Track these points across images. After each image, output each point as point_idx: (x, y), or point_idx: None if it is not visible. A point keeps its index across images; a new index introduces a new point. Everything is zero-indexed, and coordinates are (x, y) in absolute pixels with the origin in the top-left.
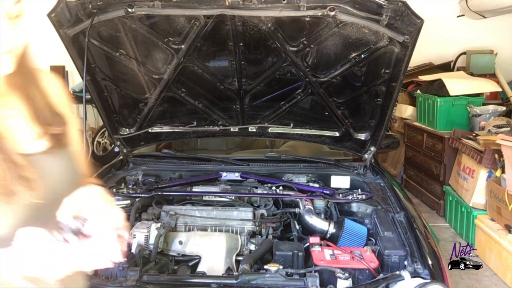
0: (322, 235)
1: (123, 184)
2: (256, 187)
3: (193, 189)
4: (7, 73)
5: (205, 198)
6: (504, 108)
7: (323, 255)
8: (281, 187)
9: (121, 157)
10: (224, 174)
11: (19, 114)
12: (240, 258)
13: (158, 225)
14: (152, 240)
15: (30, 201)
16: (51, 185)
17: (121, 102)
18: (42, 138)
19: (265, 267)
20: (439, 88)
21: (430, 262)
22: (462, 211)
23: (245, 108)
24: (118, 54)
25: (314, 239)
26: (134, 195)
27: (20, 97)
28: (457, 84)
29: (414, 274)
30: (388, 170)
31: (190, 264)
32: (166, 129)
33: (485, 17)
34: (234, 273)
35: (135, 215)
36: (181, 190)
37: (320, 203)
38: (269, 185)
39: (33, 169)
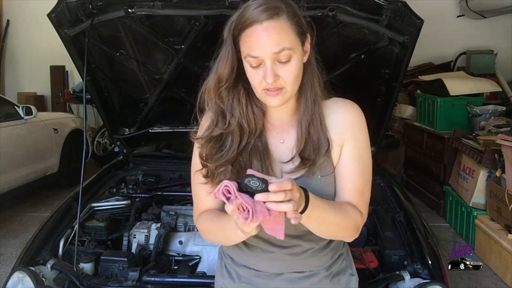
0: None
1: (123, 184)
2: None
3: None
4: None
5: None
6: (504, 108)
7: None
8: None
9: (121, 157)
10: None
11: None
12: None
13: (158, 225)
14: (152, 240)
15: None
16: None
17: (121, 102)
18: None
19: None
20: (439, 88)
21: (430, 262)
22: (462, 211)
23: None
24: (118, 54)
25: None
26: (134, 195)
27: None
28: (457, 84)
29: (414, 274)
30: (388, 170)
31: (190, 264)
32: (166, 129)
33: (485, 17)
34: None
35: (135, 215)
36: (181, 190)
37: None
38: None
39: None
